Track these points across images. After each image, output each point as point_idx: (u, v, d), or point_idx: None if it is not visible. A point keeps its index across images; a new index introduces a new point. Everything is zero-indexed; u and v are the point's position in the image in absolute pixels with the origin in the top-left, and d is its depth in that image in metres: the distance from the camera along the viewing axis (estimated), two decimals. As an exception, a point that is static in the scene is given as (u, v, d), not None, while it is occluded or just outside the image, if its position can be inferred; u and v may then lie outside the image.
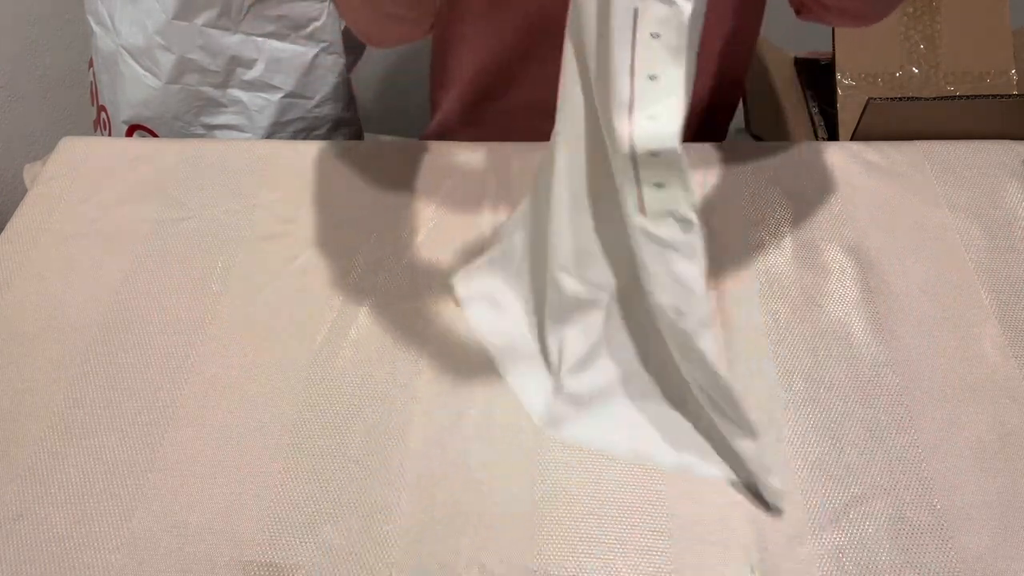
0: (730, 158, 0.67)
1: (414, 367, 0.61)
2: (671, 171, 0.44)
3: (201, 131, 0.88)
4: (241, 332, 0.64)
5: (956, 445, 0.55)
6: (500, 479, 0.55)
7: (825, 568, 0.50)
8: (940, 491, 0.53)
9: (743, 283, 0.65)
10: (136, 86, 0.85)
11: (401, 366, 0.61)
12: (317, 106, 0.89)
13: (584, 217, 0.55)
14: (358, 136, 0.99)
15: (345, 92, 0.92)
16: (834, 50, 0.85)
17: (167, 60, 0.82)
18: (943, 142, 0.73)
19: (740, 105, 0.88)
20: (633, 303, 0.58)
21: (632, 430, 0.56)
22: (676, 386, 0.56)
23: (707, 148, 0.74)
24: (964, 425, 0.56)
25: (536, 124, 0.62)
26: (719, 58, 0.76)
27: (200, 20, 0.80)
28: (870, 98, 0.72)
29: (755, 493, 0.53)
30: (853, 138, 0.76)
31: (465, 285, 0.64)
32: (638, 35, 0.42)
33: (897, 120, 0.73)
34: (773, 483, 0.52)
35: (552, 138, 0.53)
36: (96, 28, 0.86)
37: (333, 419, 0.58)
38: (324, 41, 0.86)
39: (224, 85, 0.85)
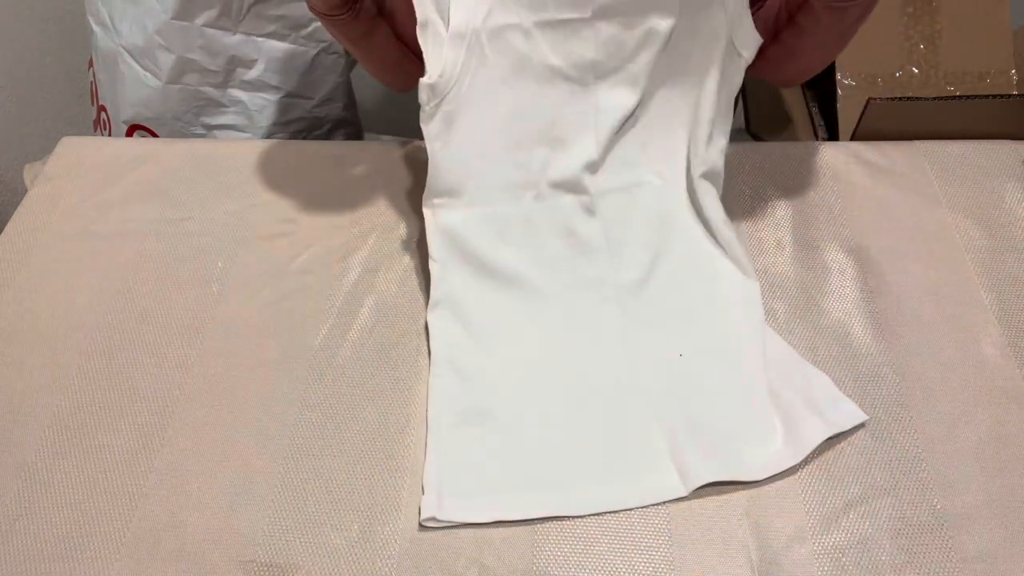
0: (730, 158, 0.67)
1: (413, 367, 0.61)
2: None
3: (201, 131, 0.88)
4: (241, 332, 0.63)
5: (956, 445, 0.55)
6: (500, 479, 0.55)
7: (825, 568, 0.50)
8: (940, 491, 0.53)
9: (743, 283, 0.65)
10: (136, 86, 0.85)
11: (400, 366, 0.61)
12: (317, 106, 0.89)
13: None
14: (358, 136, 0.98)
15: (345, 92, 0.92)
16: (834, 50, 0.85)
17: (167, 60, 0.82)
18: (943, 142, 0.73)
19: (740, 105, 0.87)
20: None
21: None
22: None
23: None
24: (964, 425, 0.56)
25: None
26: None
27: (200, 20, 0.80)
28: (870, 98, 0.72)
29: None
30: (853, 138, 0.76)
31: None
32: None
33: (897, 120, 0.73)
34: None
35: None
36: (96, 28, 0.86)
37: (333, 419, 0.58)
38: (324, 41, 0.86)
39: (224, 85, 0.85)
